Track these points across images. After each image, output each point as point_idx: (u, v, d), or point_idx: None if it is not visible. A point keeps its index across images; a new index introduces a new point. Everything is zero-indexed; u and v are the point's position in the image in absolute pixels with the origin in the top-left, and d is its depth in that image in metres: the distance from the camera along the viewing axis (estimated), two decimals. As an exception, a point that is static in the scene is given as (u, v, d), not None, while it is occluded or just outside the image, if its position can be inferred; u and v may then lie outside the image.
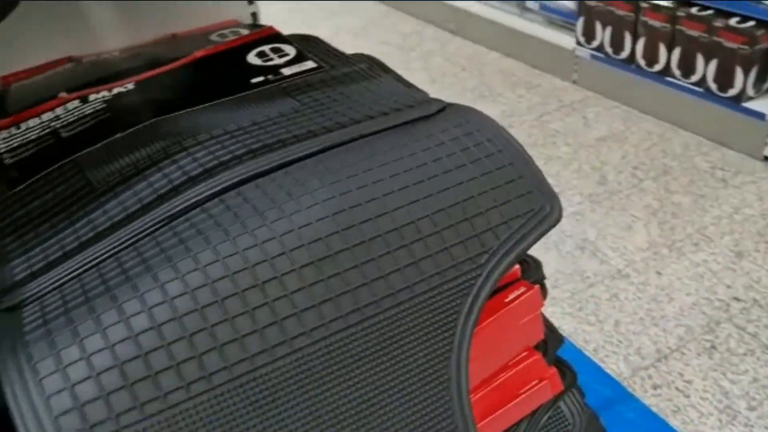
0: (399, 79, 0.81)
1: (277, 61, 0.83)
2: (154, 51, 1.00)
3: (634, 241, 2.03)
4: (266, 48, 0.86)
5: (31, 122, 0.79)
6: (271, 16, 1.06)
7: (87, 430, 0.46)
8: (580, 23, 2.75)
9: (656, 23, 2.46)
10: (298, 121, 0.69)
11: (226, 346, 0.49)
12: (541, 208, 0.63)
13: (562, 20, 2.94)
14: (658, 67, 2.52)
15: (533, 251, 0.74)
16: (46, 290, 0.56)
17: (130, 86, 0.83)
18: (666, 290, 1.84)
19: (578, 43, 2.79)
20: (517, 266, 0.68)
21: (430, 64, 3.17)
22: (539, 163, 2.39)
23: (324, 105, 0.72)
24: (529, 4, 3.05)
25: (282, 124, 0.69)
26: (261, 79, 0.80)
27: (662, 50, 2.48)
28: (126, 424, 0.47)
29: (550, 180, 2.35)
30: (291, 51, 0.85)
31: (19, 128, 0.79)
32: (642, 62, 2.57)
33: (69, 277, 0.56)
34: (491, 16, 3.22)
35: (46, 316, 0.53)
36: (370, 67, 0.81)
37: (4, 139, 0.77)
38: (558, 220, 0.64)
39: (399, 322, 0.54)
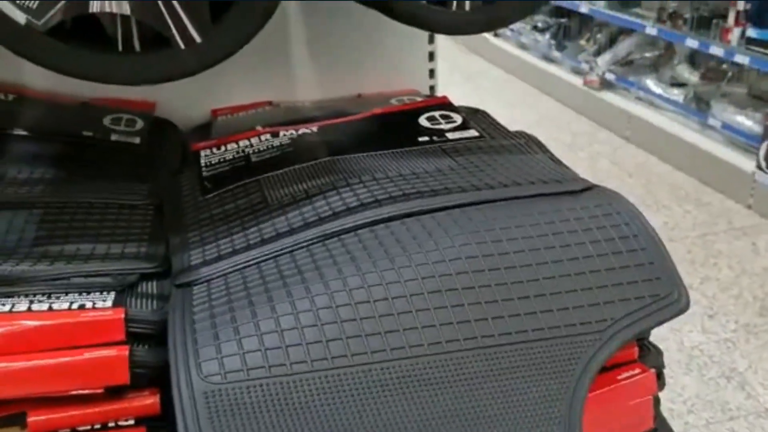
0: (553, 158, 0.86)
1: (444, 126, 0.92)
2: (340, 105, 1.14)
3: (790, 382, 1.86)
4: (437, 113, 0.95)
5: (230, 146, 0.93)
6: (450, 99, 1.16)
7: (229, 407, 0.54)
8: (763, 147, 2.64)
9: None
10: (451, 177, 0.76)
11: (351, 339, 0.56)
12: (667, 295, 0.65)
13: (745, 142, 2.84)
14: None
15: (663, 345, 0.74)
16: (214, 276, 0.66)
17: (314, 129, 0.95)
18: (819, 442, 1.67)
19: (759, 167, 2.67)
20: (635, 348, 0.69)
21: (596, 166, 3.17)
22: (695, 281, 2.30)
23: (477, 167, 0.79)
24: (711, 122, 2.98)
25: (437, 178, 0.76)
26: (426, 138, 0.88)
27: None
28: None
29: (703, 301, 2.22)
30: (458, 119, 0.93)
31: (219, 149, 0.93)
32: (829, 197, 2.41)
33: (234, 269, 0.67)
34: (669, 128, 3.18)
35: (212, 299, 0.63)
36: (527, 143, 0.87)
37: (206, 156, 0.92)
38: (683, 310, 0.65)
39: (511, 357, 0.58)
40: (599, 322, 0.62)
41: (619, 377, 0.67)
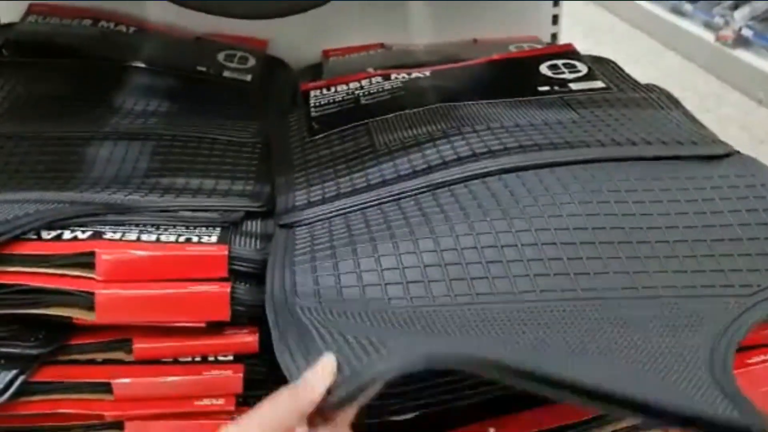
0: (688, 115, 0.78)
1: (567, 75, 0.85)
2: (455, 50, 1.08)
3: None
4: (559, 62, 0.88)
5: (340, 87, 0.91)
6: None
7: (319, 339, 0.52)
8: None
9: None
10: (573, 131, 0.71)
11: (454, 282, 0.54)
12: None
13: None
14: None
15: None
16: (318, 219, 0.64)
17: (427, 73, 0.91)
18: None
19: None
20: (769, 331, 0.62)
21: (723, 131, 2.91)
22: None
23: (603, 122, 0.73)
24: None
25: (557, 130, 0.71)
26: (547, 88, 0.82)
27: None
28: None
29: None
30: (583, 68, 0.86)
31: (329, 90, 0.91)
32: None
33: (338, 213, 0.65)
34: (811, 93, 2.89)
35: (314, 241, 0.61)
36: (659, 97, 0.80)
37: (316, 96, 0.90)
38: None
39: (636, 310, 0.52)
40: (744, 287, 0.55)
41: (749, 361, 0.60)
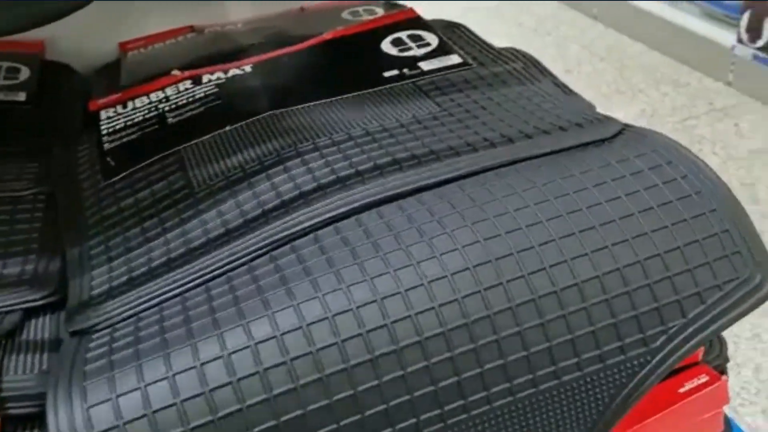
0: (558, 84, 0.66)
1: (416, 51, 0.71)
2: (280, 25, 0.91)
3: (787, 274, 1.77)
4: (404, 35, 0.74)
5: (138, 102, 0.71)
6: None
7: None
8: (744, 18, 2.44)
9: (840, 25, 2.14)
10: (437, 132, 0.57)
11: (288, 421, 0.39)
12: (749, 277, 0.48)
13: (723, 13, 2.63)
14: (835, 76, 2.20)
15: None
16: (122, 317, 0.47)
17: (248, 68, 0.73)
18: (823, 338, 1.59)
19: (739, 40, 2.49)
20: (700, 348, 0.53)
21: (565, 51, 2.95)
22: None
23: (469, 113, 0.59)
24: (686, -7, 2.76)
25: (416, 134, 0.56)
26: (395, 72, 0.67)
27: (844, 56, 2.15)
28: None
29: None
30: (433, 41, 0.72)
31: (125, 107, 0.71)
32: (816, 68, 2.25)
33: (149, 304, 0.47)
34: (639, 3, 2.95)
35: (113, 355, 0.43)
36: (525, 67, 0.67)
37: (109, 118, 0.70)
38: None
39: (529, 416, 0.41)
40: (654, 336, 0.45)
41: (681, 390, 0.51)
